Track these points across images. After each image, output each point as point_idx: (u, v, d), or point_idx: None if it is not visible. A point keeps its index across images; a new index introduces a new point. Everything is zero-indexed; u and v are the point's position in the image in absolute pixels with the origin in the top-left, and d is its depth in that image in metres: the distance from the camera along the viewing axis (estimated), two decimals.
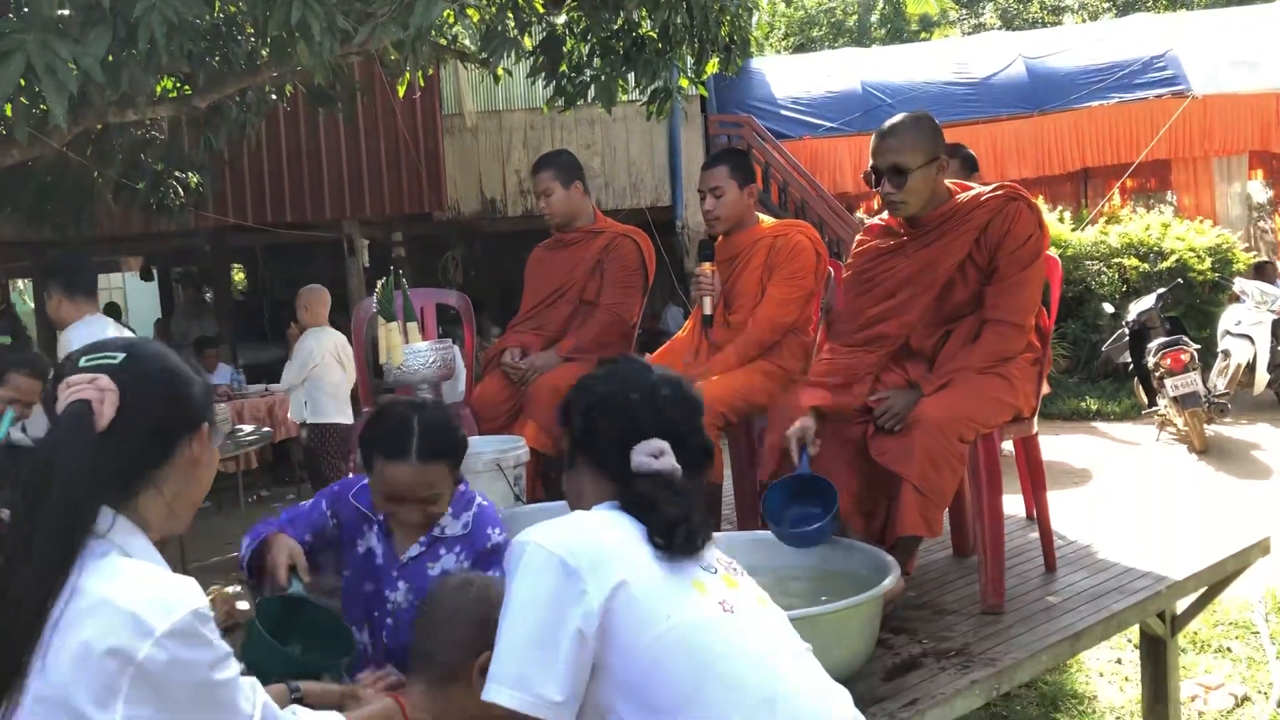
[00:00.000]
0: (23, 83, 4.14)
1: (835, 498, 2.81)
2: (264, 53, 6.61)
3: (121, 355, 1.46)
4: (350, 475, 2.67)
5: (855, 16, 26.48)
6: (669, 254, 9.74)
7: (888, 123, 3.26)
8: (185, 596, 1.32)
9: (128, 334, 4.66)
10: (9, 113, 5.49)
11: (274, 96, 7.63)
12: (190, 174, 7.83)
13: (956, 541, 3.77)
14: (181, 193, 7.70)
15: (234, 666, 1.36)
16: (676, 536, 1.66)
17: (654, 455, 1.74)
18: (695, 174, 11.11)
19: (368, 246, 10.61)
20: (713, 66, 7.24)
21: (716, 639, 1.61)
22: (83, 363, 1.45)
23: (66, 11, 4.31)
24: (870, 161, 3.21)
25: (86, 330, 4.11)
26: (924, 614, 3.15)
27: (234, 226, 10.06)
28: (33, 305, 16.54)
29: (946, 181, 3.28)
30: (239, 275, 16.84)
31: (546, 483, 3.87)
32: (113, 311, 14.02)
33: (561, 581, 1.60)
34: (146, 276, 14.56)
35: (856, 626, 2.48)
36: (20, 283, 16.58)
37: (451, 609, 1.97)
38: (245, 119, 7.13)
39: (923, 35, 25.58)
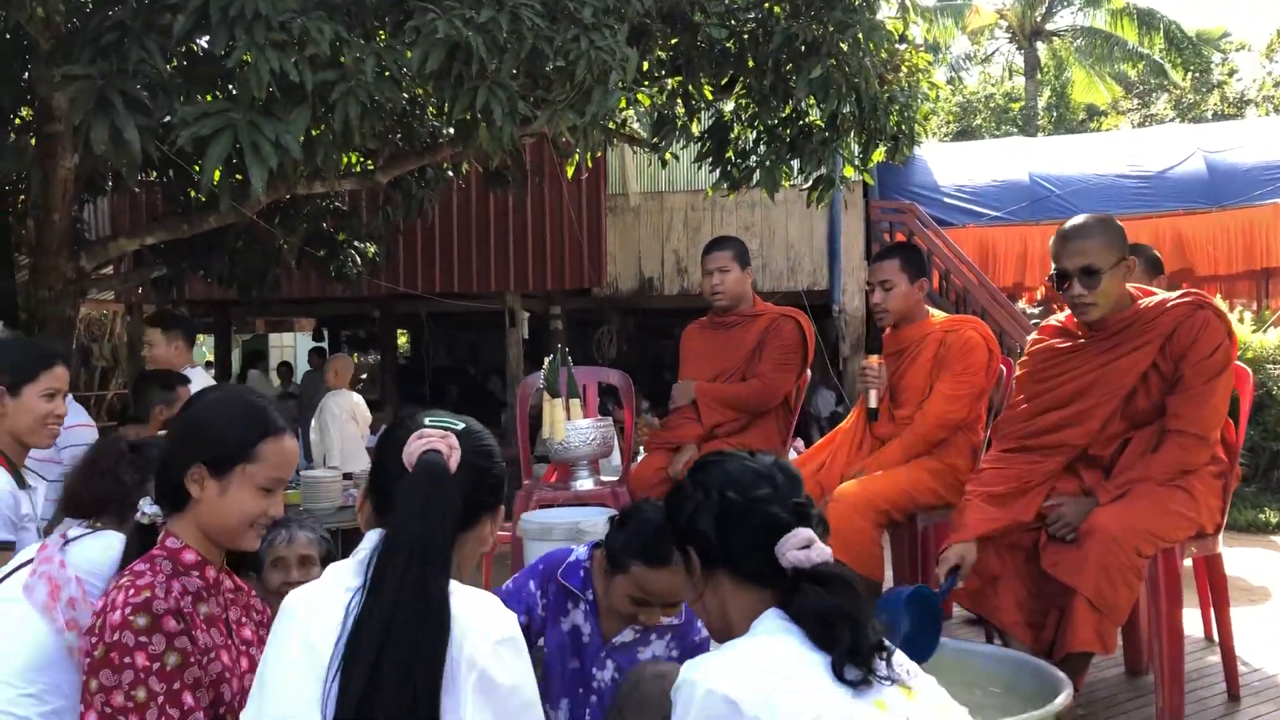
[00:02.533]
0: (231, 159, 4.44)
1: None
2: (445, 132, 6.93)
3: (461, 425, 1.65)
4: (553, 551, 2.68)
5: (1020, 105, 26.10)
6: (823, 337, 9.68)
7: (1071, 223, 3.18)
8: (508, 613, 1.51)
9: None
10: (215, 180, 5.90)
11: (450, 174, 7.97)
12: (367, 244, 8.21)
13: (1129, 658, 3.57)
14: (359, 261, 8.08)
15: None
16: (855, 649, 1.54)
17: (804, 546, 1.63)
18: (855, 259, 11.11)
19: (528, 318, 10.88)
20: (879, 155, 7.22)
21: None
22: (428, 421, 1.62)
23: (272, 89, 4.62)
24: (1056, 263, 3.12)
25: (197, 376, 4.96)
26: None
27: (402, 295, 10.46)
28: (209, 357, 17.58)
29: (1128, 285, 3.17)
30: (402, 339, 17.49)
31: None
32: (285, 370, 14.78)
33: None
34: (317, 337, 15.29)
35: None
36: (200, 336, 17.61)
37: (646, 696, 1.97)
38: (423, 195, 7.46)
39: (1091, 125, 24.99)
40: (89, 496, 2.20)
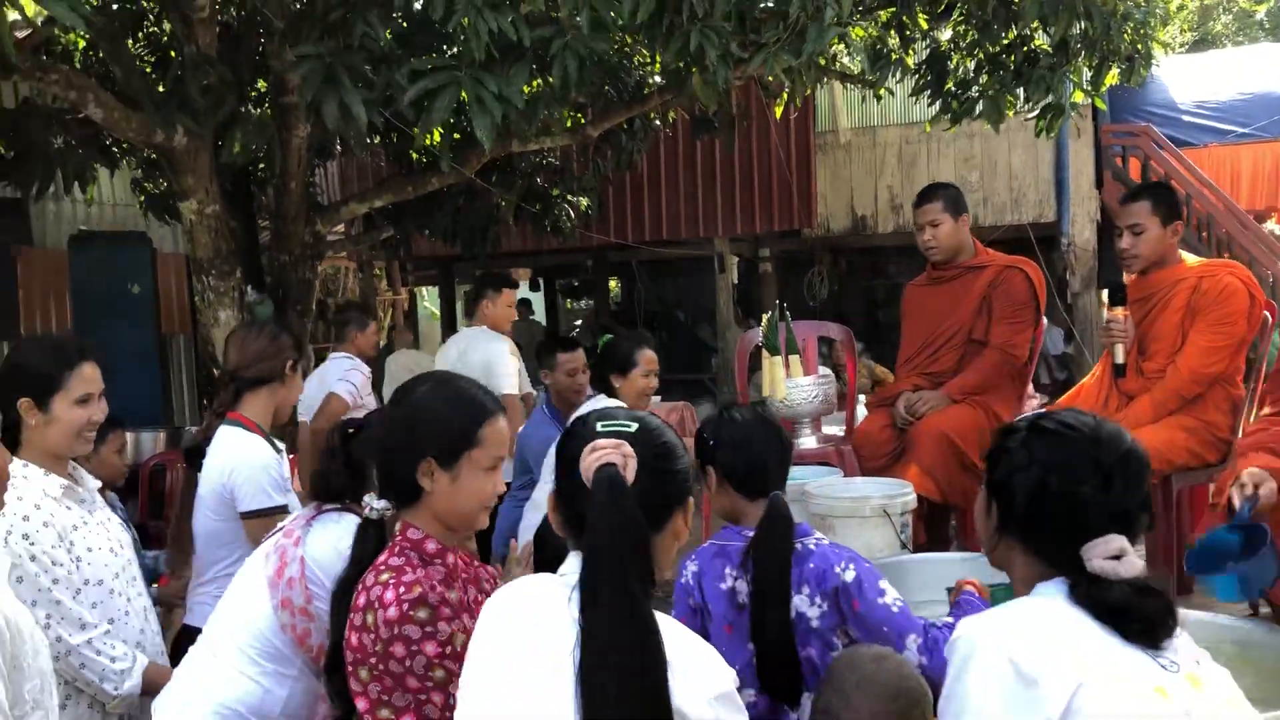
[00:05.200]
0: (450, 120, 4.55)
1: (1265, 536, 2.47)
2: (651, 81, 6.90)
3: (635, 425, 1.61)
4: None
5: (1267, 5, 23.74)
6: (1050, 270, 9.17)
7: None
8: (725, 666, 1.49)
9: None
10: (435, 139, 6.09)
11: (657, 123, 7.95)
12: (580, 197, 8.32)
13: None
14: (572, 215, 8.21)
15: None
16: (1135, 628, 1.47)
17: (1114, 557, 1.51)
18: (1084, 188, 10.45)
19: (736, 262, 10.81)
20: (1112, 78, 6.72)
21: None
22: (601, 428, 1.60)
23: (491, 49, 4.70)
24: None
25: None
26: None
27: (614, 244, 10.58)
28: (433, 309, 18.37)
29: None
30: (614, 285, 17.76)
31: (931, 529, 3.72)
32: (525, 304, 15.09)
33: (1016, 689, 1.44)
34: (534, 287, 15.71)
35: None
36: (424, 290, 18.39)
37: (865, 676, 1.93)
38: (632, 146, 7.48)
39: None
40: (335, 485, 2.26)
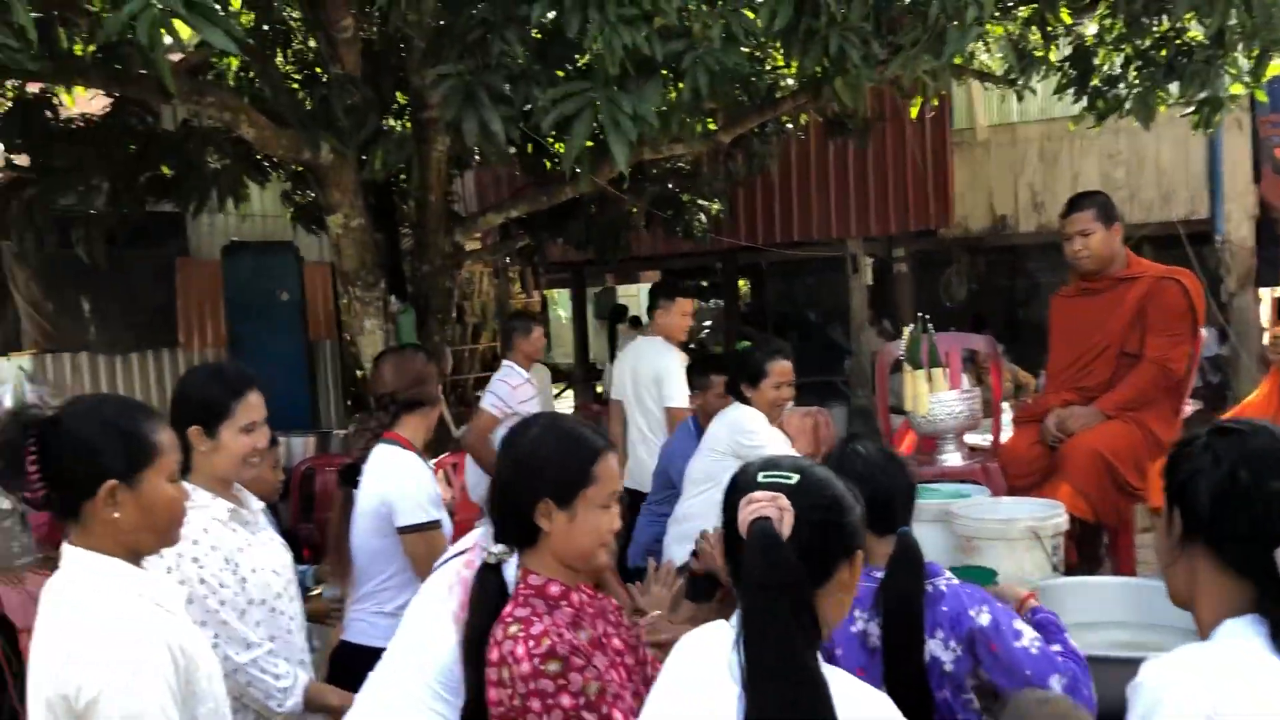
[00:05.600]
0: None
1: None
2: (784, 85, 6.84)
3: (796, 477, 1.58)
4: None
5: None
6: (1203, 268, 8.74)
7: None
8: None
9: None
10: (559, 150, 6.17)
11: (789, 126, 7.88)
12: (711, 201, 8.31)
13: None
14: (703, 219, 8.20)
15: None
16: None
17: None
18: (1240, 182, 9.93)
19: (871, 264, 10.63)
20: (1274, 69, 6.37)
21: None
22: (761, 478, 1.58)
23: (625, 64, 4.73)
24: None
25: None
26: None
27: (744, 247, 10.53)
28: (563, 314, 18.62)
29: None
30: (744, 286, 17.68)
31: (1081, 551, 3.59)
32: (620, 313, 15.26)
33: None
34: None
35: None
36: (555, 293, 18.67)
37: None
38: (764, 150, 7.43)
39: None
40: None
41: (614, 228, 7.98)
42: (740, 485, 1.60)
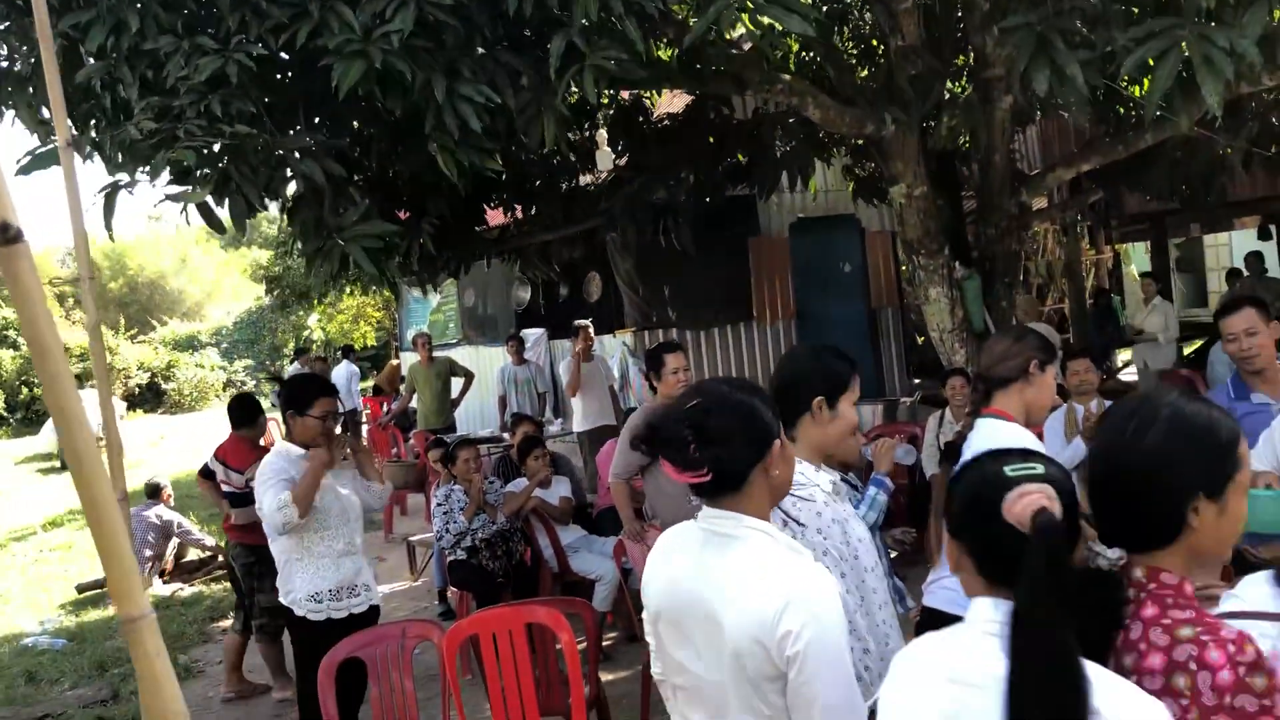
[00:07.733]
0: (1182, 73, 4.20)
1: None
2: None
3: (1041, 469, 1.56)
4: None
5: None
6: None
7: None
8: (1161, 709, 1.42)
9: None
10: (1135, 94, 5.65)
11: None
12: None
13: None
14: None
15: None
16: None
17: None
18: None
19: None
20: None
21: None
22: (1009, 472, 1.55)
23: None
24: None
25: None
26: None
27: None
28: (1134, 270, 17.09)
29: None
30: None
31: None
32: (1257, 257, 12.99)
33: None
34: (1263, 235, 13.85)
35: None
36: (1127, 248, 17.23)
37: None
38: None
39: None
40: None
41: (1205, 172, 7.18)
42: (989, 480, 1.56)
